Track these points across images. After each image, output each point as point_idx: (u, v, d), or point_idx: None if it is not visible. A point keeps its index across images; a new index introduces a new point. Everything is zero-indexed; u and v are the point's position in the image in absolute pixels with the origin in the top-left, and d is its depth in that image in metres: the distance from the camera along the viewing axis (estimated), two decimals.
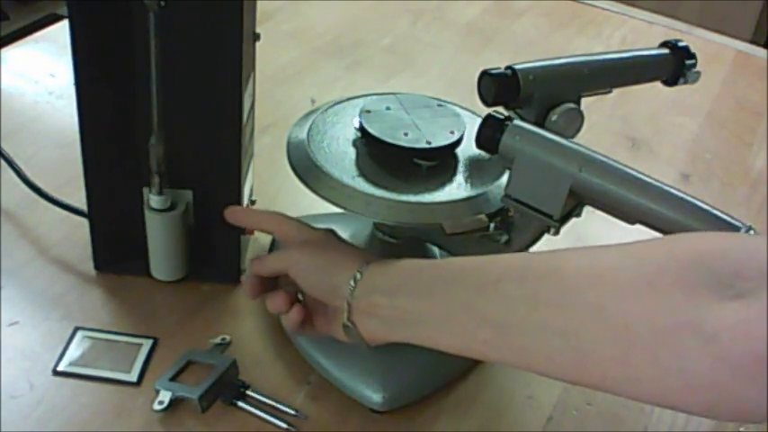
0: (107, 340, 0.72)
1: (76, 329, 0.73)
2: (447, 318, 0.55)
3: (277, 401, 0.68)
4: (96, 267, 0.78)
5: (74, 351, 0.71)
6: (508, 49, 1.27)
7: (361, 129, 0.69)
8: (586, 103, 0.67)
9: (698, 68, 0.74)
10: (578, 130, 0.67)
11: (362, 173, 0.67)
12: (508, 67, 0.65)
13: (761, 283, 0.42)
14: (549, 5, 1.41)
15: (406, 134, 0.68)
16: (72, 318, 0.74)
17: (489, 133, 0.63)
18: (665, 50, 0.73)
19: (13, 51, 1.11)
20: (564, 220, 0.62)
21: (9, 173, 0.84)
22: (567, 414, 0.72)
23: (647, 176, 0.58)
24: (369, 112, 0.70)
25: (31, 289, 0.77)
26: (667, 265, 0.46)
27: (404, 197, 0.65)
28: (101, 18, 0.66)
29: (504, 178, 0.66)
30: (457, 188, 0.67)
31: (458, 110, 0.73)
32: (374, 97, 0.73)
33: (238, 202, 0.74)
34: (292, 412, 0.68)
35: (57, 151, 0.92)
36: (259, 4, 0.72)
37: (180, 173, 0.72)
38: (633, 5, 1.46)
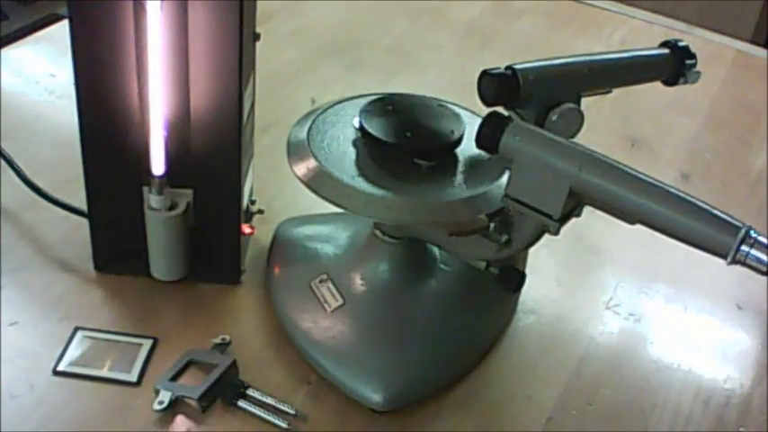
0: (107, 340, 0.72)
1: (76, 329, 0.73)
2: None
3: (277, 401, 0.68)
4: (96, 267, 0.78)
5: (74, 351, 0.71)
6: (508, 49, 1.27)
7: (361, 129, 0.69)
8: (586, 103, 0.67)
9: (698, 68, 0.74)
10: (578, 130, 0.67)
11: (362, 173, 0.67)
12: (508, 67, 0.65)
13: None
14: (549, 5, 1.41)
15: (406, 134, 0.68)
16: (72, 318, 0.74)
17: (489, 133, 0.63)
18: (665, 50, 0.73)
19: (13, 51, 1.11)
20: (564, 220, 0.62)
21: (9, 173, 0.84)
22: (567, 414, 0.72)
23: (647, 176, 0.58)
24: (369, 112, 0.70)
25: (31, 289, 0.77)
26: None
27: (404, 197, 0.65)
28: (101, 18, 0.66)
29: (504, 178, 0.66)
30: (457, 188, 0.67)
31: (458, 110, 0.73)
32: (374, 97, 0.73)
33: (238, 202, 0.74)
34: (292, 412, 0.68)
35: (57, 151, 0.92)
36: (259, 4, 0.72)
37: (180, 173, 0.72)
38: (633, 5, 1.45)
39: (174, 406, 0.67)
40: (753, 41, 1.58)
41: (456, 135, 0.69)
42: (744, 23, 2.28)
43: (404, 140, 0.67)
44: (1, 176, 0.85)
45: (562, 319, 0.81)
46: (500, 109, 0.66)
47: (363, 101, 0.73)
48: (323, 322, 0.72)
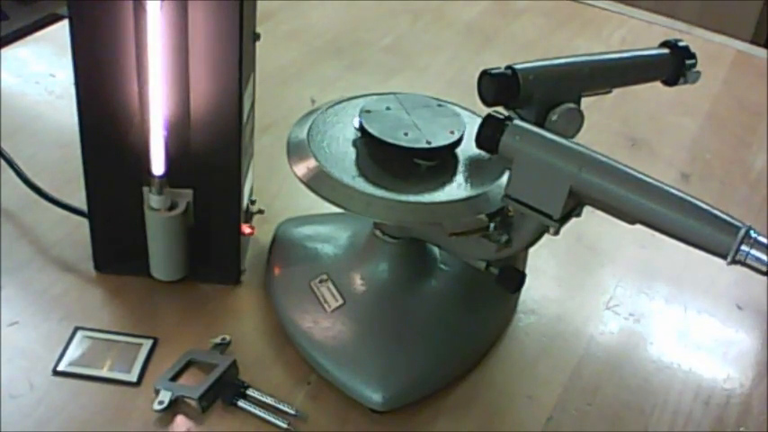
0: (107, 340, 0.72)
1: (76, 329, 0.73)
2: None
3: (277, 401, 0.68)
4: (96, 267, 0.78)
5: (74, 351, 0.71)
6: (508, 49, 1.27)
7: (361, 129, 0.69)
8: (586, 103, 0.67)
9: (698, 68, 0.74)
10: (578, 130, 0.67)
11: (362, 173, 0.67)
12: (508, 67, 0.65)
13: None
14: (549, 5, 1.41)
15: (406, 134, 0.68)
16: (72, 318, 0.74)
17: (489, 133, 0.63)
18: (665, 50, 0.73)
19: (13, 51, 1.11)
20: (564, 220, 0.62)
21: (9, 173, 0.84)
22: (567, 414, 0.72)
23: (647, 176, 0.58)
24: (369, 111, 0.70)
25: (31, 289, 0.77)
26: None
27: (404, 197, 0.65)
28: (101, 18, 0.66)
29: (504, 178, 0.66)
30: (457, 188, 0.67)
31: (458, 110, 0.73)
32: (374, 97, 0.73)
33: (238, 202, 0.74)
34: (292, 412, 0.68)
35: (57, 151, 0.92)
36: (259, 4, 0.72)
37: (180, 173, 0.72)
38: (633, 5, 1.45)
39: (174, 406, 0.67)
40: (753, 41, 1.59)
41: (456, 135, 0.69)
42: (744, 23, 2.28)
43: (404, 140, 0.67)
44: (1, 176, 0.85)
45: (562, 319, 0.81)
46: (500, 109, 0.66)
47: (363, 101, 0.73)
48: (323, 322, 0.72)
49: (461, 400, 0.72)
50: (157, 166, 0.70)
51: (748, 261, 0.54)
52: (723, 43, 1.37)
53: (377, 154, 0.69)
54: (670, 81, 0.74)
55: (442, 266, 0.76)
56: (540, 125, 0.65)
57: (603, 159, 0.59)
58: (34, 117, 0.98)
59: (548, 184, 0.60)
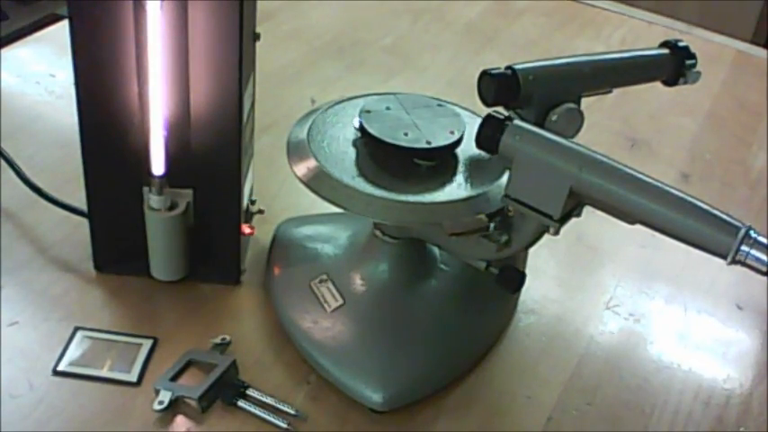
0: (107, 340, 0.72)
1: (76, 329, 0.73)
2: None
3: (277, 401, 0.68)
4: (96, 267, 0.78)
5: (74, 351, 0.71)
6: (508, 49, 1.27)
7: (361, 129, 0.69)
8: (586, 103, 0.67)
9: (698, 68, 0.74)
10: (578, 130, 0.67)
11: (362, 173, 0.67)
12: (508, 67, 0.65)
13: None
14: (549, 5, 1.41)
15: (406, 134, 0.68)
16: (72, 318, 0.74)
17: (489, 133, 0.63)
18: (665, 50, 0.73)
19: (13, 51, 1.11)
20: (564, 220, 0.62)
21: (9, 173, 0.84)
22: (567, 414, 0.72)
23: (647, 176, 0.58)
24: (369, 112, 0.70)
25: (31, 289, 0.77)
26: None
27: (404, 197, 0.65)
28: (101, 18, 0.66)
29: (504, 178, 0.66)
30: (457, 188, 0.67)
31: (458, 110, 0.73)
32: (374, 97, 0.73)
33: (238, 202, 0.74)
34: (292, 412, 0.68)
35: (57, 151, 0.92)
36: (259, 4, 0.72)
37: (180, 173, 0.72)
38: (633, 5, 1.46)
39: (174, 406, 0.67)
40: (753, 41, 1.58)
41: (456, 135, 0.69)
42: (744, 23, 2.28)
43: (404, 140, 0.67)
44: (1, 176, 0.86)
45: (562, 319, 0.81)
46: (500, 109, 0.66)
47: (363, 101, 0.73)
48: (323, 322, 0.72)
49: (461, 400, 0.72)
50: (157, 166, 0.70)
51: (748, 261, 0.54)
52: (723, 43, 1.37)
53: (377, 154, 0.69)
54: (670, 81, 0.74)
55: (442, 266, 0.76)
56: (540, 125, 0.65)
57: (603, 159, 0.59)
58: (34, 117, 0.98)
59: (548, 184, 0.60)
